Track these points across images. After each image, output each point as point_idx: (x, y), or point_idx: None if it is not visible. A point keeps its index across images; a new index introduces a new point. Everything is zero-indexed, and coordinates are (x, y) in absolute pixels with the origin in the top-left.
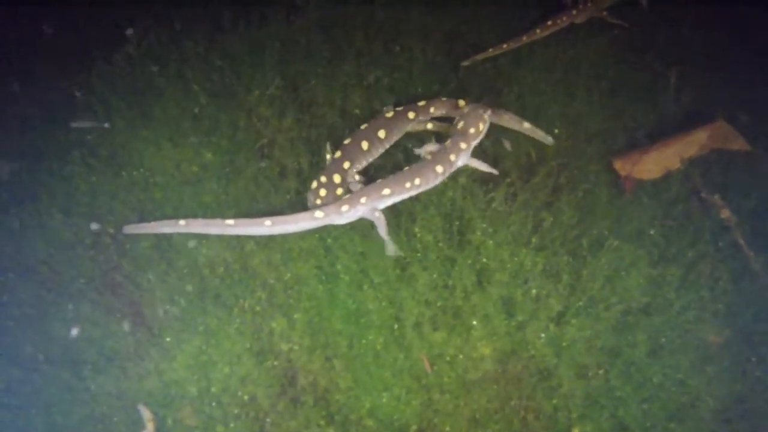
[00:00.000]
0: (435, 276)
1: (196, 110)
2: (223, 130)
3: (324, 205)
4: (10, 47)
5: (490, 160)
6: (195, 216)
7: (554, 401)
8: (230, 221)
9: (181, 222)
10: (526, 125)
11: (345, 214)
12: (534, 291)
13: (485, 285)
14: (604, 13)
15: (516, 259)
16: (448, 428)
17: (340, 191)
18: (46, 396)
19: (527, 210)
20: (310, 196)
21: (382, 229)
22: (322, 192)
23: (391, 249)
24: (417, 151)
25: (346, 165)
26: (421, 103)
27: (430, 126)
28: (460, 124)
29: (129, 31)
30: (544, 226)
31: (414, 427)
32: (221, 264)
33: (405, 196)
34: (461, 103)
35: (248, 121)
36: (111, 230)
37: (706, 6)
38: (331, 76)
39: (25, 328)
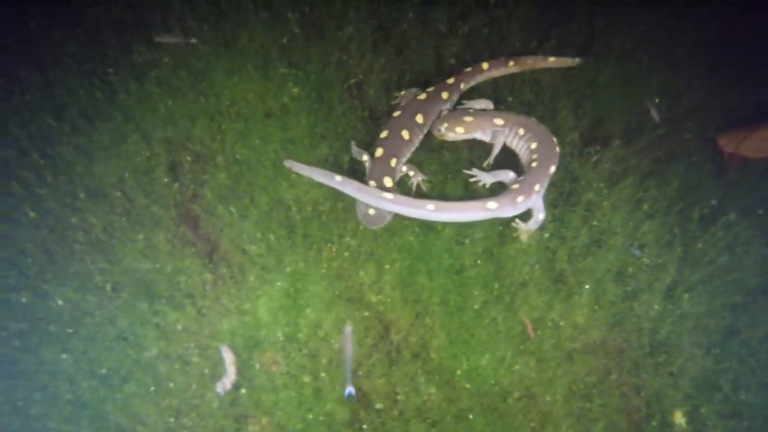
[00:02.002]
0: (544, 235)
1: (285, 40)
2: (312, 64)
3: (501, 196)
4: None
5: (589, 123)
6: (278, 154)
7: (659, 379)
8: (389, 195)
9: (338, 178)
10: (552, 59)
11: (520, 205)
12: (646, 260)
13: (595, 249)
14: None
15: (630, 224)
16: (548, 398)
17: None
18: (119, 327)
19: (635, 176)
20: (361, 207)
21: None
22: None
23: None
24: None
25: (393, 162)
26: (450, 80)
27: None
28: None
29: None
30: (653, 193)
31: (516, 394)
32: (309, 203)
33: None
34: (485, 65)
35: (339, 58)
36: (189, 158)
37: None
38: (423, 22)
39: (93, 254)
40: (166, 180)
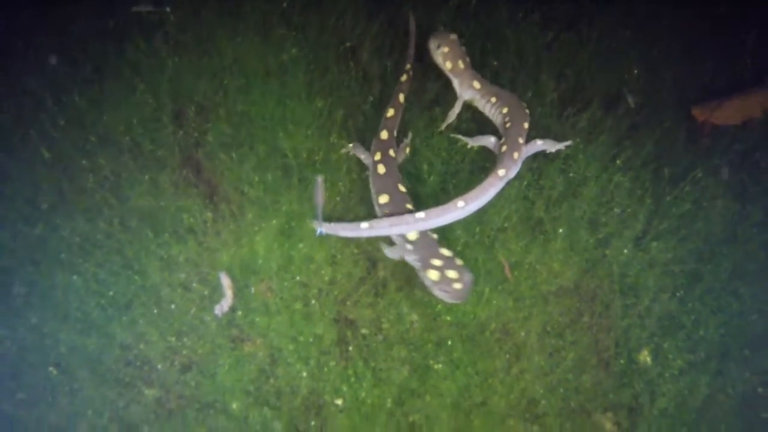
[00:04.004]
0: (523, 184)
1: (285, 5)
2: (310, 28)
3: (500, 163)
4: None
5: (571, 89)
6: (276, 107)
7: (627, 320)
8: (421, 214)
9: (364, 225)
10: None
11: (518, 161)
12: (617, 210)
13: (570, 198)
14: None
15: (603, 176)
16: (522, 334)
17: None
18: (122, 255)
19: (611, 135)
20: (443, 285)
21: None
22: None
23: None
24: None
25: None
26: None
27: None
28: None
29: None
30: (627, 153)
31: (493, 326)
32: (304, 151)
33: None
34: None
35: (336, 23)
36: (193, 109)
37: None
38: None
39: (102, 193)
40: (170, 128)
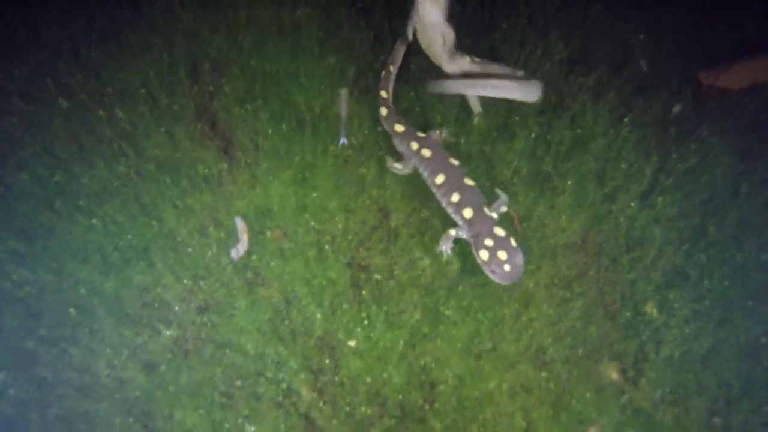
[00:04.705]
0: (532, 136)
1: None
2: None
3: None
4: None
5: (579, 50)
6: (290, 63)
7: (634, 273)
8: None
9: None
10: None
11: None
12: (624, 165)
13: (578, 153)
14: None
15: (611, 131)
16: (531, 284)
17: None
18: (140, 201)
19: (618, 95)
20: (493, 265)
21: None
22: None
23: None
24: None
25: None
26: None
27: None
28: None
29: None
30: (635, 113)
31: None
32: (317, 105)
33: None
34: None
35: None
36: (208, 65)
37: None
38: None
39: (119, 142)
40: (186, 82)
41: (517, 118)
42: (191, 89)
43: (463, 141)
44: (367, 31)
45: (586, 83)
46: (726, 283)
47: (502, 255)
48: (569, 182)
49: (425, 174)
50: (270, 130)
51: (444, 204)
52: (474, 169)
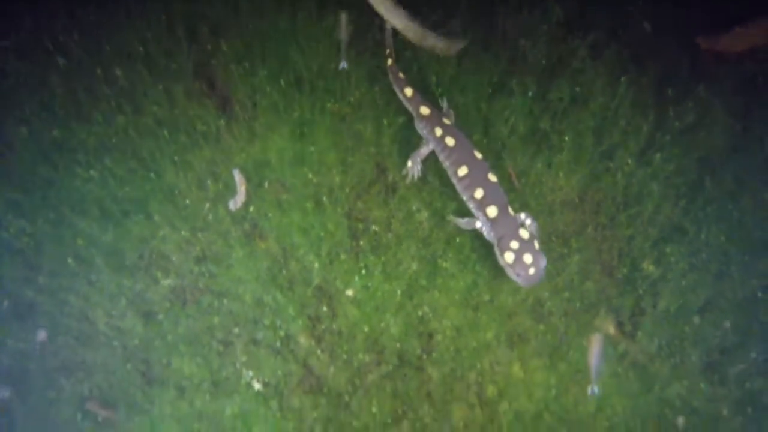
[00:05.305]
0: (530, 94)
1: None
2: None
3: None
4: None
5: (576, 12)
6: (287, 24)
7: (631, 230)
8: None
9: None
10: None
11: None
12: (622, 122)
13: (576, 110)
14: None
15: (609, 89)
16: None
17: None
18: (138, 156)
19: (618, 56)
20: (518, 267)
21: None
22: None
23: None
24: None
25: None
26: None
27: None
28: None
29: None
30: (631, 74)
31: None
32: (315, 65)
33: None
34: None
35: None
36: (206, 27)
37: None
38: None
39: (117, 100)
40: (185, 42)
41: (514, 77)
42: (189, 49)
43: (461, 99)
44: None
45: (584, 44)
46: (723, 238)
47: (528, 258)
48: (567, 140)
49: (446, 163)
50: (268, 88)
51: (465, 197)
52: (470, 126)
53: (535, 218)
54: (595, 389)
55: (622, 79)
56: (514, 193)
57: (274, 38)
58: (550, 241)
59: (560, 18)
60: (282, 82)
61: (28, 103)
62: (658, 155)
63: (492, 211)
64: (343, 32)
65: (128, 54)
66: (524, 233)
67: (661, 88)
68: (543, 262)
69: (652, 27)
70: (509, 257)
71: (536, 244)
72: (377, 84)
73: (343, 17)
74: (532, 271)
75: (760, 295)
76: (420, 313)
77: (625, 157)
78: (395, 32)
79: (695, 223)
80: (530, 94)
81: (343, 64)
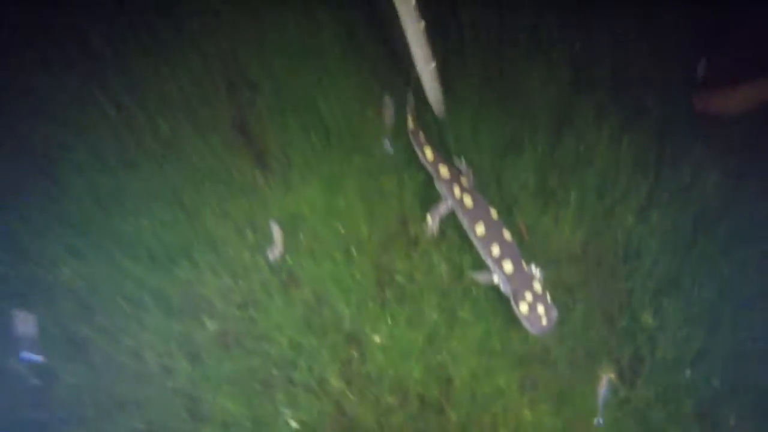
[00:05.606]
0: (539, 152)
1: None
2: (347, 7)
3: None
4: None
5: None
6: (313, 76)
7: (630, 283)
8: None
9: None
10: None
11: None
12: (624, 180)
13: (580, 169)
14: None
15: (611, 148)
16: None
17: None
18: (181, 204)
19: (617, 119)
20: (533, 319)
21: None
22: None
23: None
24: None
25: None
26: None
27: None
28: None
29: None
30: (631, 135)
31: None
32: (343, 119)
33: None
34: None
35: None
36: (242, 81)
37: None
38: None
39: (163, 148)
40: (223, 95)
41: (525, 135)
42: (227, 102)
43: (475, 156)
44: (385, 52)
45: (588, 104)
46: (714, 292)
47: (541, 310)
48: (572, 196)
49: (464, 220)
50: (299, 141)
51: (483, 254)
52: (484, 181)
53: (543, 269)
54: (601, 420)
55: (624, 138)
56: (524, 246)
57: (304, 93)
58: (555, 291)
59: (568, 79)
60: (312, 138)
61: (83, 151)
62: (655, 212)
63: (508, 266)
64: (388, 116)
65: (171, 106)
66: (537, 286)
67: (661, 147)
68: (554, 313)
69: (652, 86)
70: (524, 308)
71: (548, 297)
72: (399, 141)
73: (387, 101)
74: (544, 321)
75: (749, 346)
76: (440, 359)
77: (626, 213)
78: (417, 96)
79: (689, 277)
80: (540, 151)
81: (388, 146)
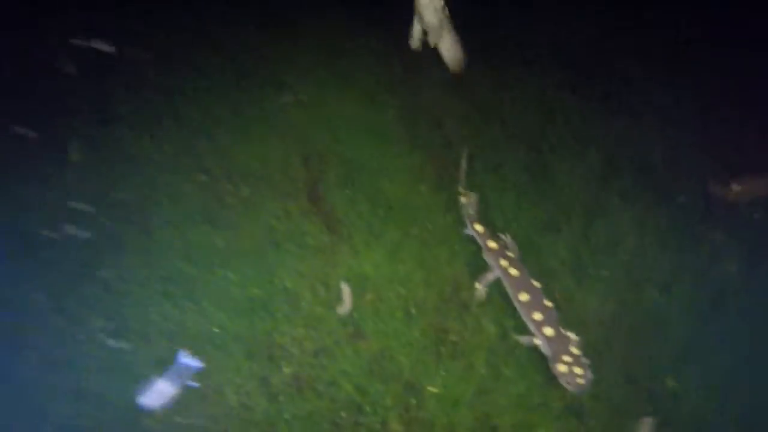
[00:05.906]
0: (573, 232)
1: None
2: (407, 94)
3: None
4: None
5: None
6: (379, 156)
7: (653, 350)
8: None
9: None
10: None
11: None
12: (649, 261)
13: (612, 248)
14: None
15: (637, 231)
16: None
17: None
18: (262, 262)
19: (643, 204)
20: (569, 377)
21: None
22: None
23: None
24: None
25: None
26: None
27: None
28: None
29: None
30: (654, 220)
31: None
32: (402, 194)
33: None
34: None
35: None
36: (315, 156)
37: None
38: None
39: (245, 212)
40: (298, 167)
41: (561, 216)
42: (302, 173)
43: (516, 230)
44: (441, 137)
45: (615, 191)
46: (731, 361)
47: (578, 370)
48: (603, 273)
49: (509, 289)
50: (365, 212)
51: (525, 318)
52: (526, 254)
53: (577, 335)
54: None
55: (649, 223)
56: (560, 313)
57: (369, 169)
58: (586, 354)
59: (597, 167)
60: (376, 209)
61: (175, 211)
62: (678, 289)
63: (548, 330)
64: (471, 206)
65: (253, 174)
66: (575, 350)
67: (681, 232)
68: (590, 374)
69: (672, 173)
70: (562, 368)
71: (584, 359)
72: (449, 215)
73: (472, 196)
74: (581, 381)
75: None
76: (486, 409)
77: (651, 289)
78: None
79: (707, 347)
80: (574, 232)
81: (469, 231)
